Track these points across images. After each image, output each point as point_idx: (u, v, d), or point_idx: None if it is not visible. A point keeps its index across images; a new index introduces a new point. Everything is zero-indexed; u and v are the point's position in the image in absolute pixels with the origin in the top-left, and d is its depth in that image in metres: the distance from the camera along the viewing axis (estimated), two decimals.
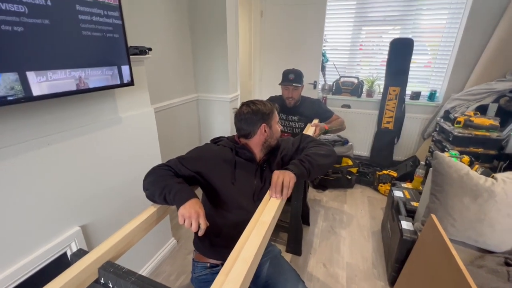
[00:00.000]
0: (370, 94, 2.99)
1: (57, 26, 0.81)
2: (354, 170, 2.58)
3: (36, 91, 0.79)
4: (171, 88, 2.10)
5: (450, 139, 2.04)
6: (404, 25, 2.76)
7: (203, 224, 0.77)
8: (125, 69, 1.09)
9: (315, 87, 3.04)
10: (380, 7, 2.78)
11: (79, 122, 1.04)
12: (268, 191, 0.89)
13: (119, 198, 1.26)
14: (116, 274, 0.64)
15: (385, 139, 2.88)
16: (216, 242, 0.99)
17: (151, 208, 0.86)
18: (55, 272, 0.60)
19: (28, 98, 0.77)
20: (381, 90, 2.88)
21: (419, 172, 1.90)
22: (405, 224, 1.46)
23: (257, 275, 1.03)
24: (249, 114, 0.99)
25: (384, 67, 2.77)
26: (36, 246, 0.93)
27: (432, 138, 2.41)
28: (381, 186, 2.49)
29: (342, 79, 3.09)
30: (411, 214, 1.59)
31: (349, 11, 2.91)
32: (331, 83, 3.15)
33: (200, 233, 0.77)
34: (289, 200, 1.66)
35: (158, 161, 1.51)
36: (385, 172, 2.49)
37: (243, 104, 1.05)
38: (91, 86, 0.96)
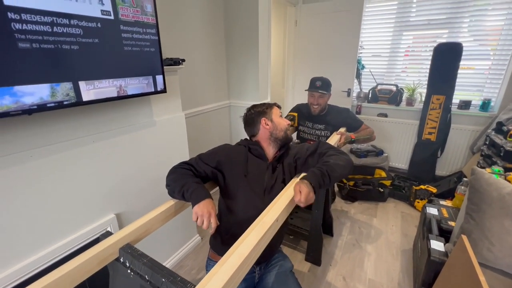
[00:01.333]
0: (410, 102, 2.79)
1: (104, 44, 0.98)
2: (388, 182, 2.42)
3: (85, 97, 0.96)
4: (205, 95, 2.26)
5: (501, 154, 1.80)
6: (452, 28, 2.53)
7: (214, 223, 0.84)
8: (159, 78, 1.24)
9: (349, 95, 2.95)
10: (424, 10, 2.61)
11: (119, 124, 1.21)
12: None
13: (148, 193, 1.41)
14: (132, 255, 0.75)
15: (426, 152, 2.65)
16: (227, 241, 1.04)
17: (169, 202, 0.96)
18: None
19: (79, 103, 0.94)
20: (423, 99, 2.67)
21: (461, 189, 1.71)
22: (435, 244, 1.34)
23: (261, 284, 1.06)
24: (250, 115, 1.14)
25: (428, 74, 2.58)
26: (81, 226, 1.11)
27: (482, 153, 2.15)
28: (418, 202, 2.29)
29: (379, 87, 2.95)
30: (446, 234, 1.45)
31: (388, 16, 2.79)
32: (367, 91, 3.02)
33: (211, 232, 0.85)
34: (310, 208, 1.66)
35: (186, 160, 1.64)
36: (423, 187, 2.29)
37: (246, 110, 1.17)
38: (129, 93, 1.12)
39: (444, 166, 2.70)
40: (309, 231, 1.69)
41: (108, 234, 0.81)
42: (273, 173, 1.06)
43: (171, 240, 1.66)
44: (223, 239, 1.06)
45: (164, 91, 1.28)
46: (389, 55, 2.91)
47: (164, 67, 1.27)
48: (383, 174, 2.49)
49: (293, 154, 1.09)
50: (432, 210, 1.64)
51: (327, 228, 1.95)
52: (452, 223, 1.50)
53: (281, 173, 1.07)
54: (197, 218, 0.84)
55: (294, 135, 2.11)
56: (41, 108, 0.84)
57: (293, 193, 0.89)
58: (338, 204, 2.42)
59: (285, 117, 2.00)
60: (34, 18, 0.78)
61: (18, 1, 0.74)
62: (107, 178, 1.19)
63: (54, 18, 0.82)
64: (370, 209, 2.33)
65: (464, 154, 2.59)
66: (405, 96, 2.84)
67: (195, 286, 0.61)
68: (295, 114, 2.01)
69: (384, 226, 2.10)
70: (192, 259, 1.75)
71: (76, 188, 1.07)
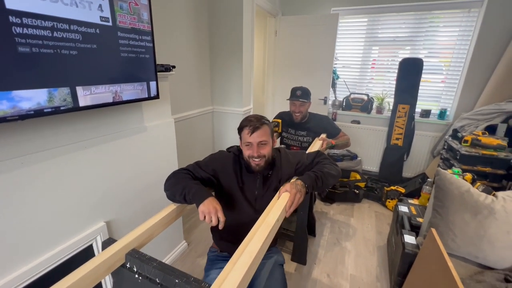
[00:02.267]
0: (380, 111, 3.05)
1: (102, 49, 0.98)
2: (362, 184, 2.62)
3: (82, 102, 0.94)
4: (189, 101, 2.27)
5: (458, 157, 2.07)
6: (414, 45, 2.85)
7: (222, 217, 0.89)
8: (152, 84, 1.25)
9: (325, 102, 3.14)
10: (390, 28, 2.90)
11: (111, 129, 1.19)
12: (284, 193, 0.98)
13: (139, 199, 1.39)
14: (140, 260, 0.75)
15: (395, 156, 2.91)
16: (224, 236, 1.16)
17: (170, 207, 0.97)
18: (83, 261, 0.70)
19: (75, 108, 0.93)
20: (391, 107, 2.94)
21: (426, 188, 1.93)
22: (408, 238, 1.49)
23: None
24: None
25: (395, 85, 2.85)
26: (68, 236, 1.06)
27: (441, 156, 2.43)
28: (389, 201, 2.51)
29: (352, 96, 3.18)
30: (416, 229, 1.62)
31: (359, 31, 3.04)
32: (341, 99, 3.24)
33: (221, 226, 0.88)
34: (295, 210, 1.75)
35: (175, 167, 1.64)
36: (393, 188, 2.51)
37: None
38: (124, 98, 1.11)
39: (410, 169, 2.98)
40: (295, 232, 1.77)
41: (111, 241, 0.81)
42: (264, 183, 1.12)
43: (158, 246, 1.63)
44: (221, 235, 1.15)
45: (157, 97, 1.29)
46: (360, 66, 3.16)
47: (157, 73, 1.28)
48: (358, 177, 2.68)
49: (294, 163, 1.15)
50: (403, 208, 1.82)
51: (311, 229, 2.05)
52: (420, 219, 1.68)
53: (274, 182, 1.12)
54: (205, 217, 0.88)
55: (278, 141, 2.21)
56: (38, 113, 0.82)
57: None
58: (318, 206, 2.55)
59: None
60: (35, 22, 0.77)
61: (20, 5, 0.73)
62: (97, 185, 1.16)
63: (55, 23, 0.82)
64: (347, 209, 2.50)
65: (426, 157, 2.89)
66: (375, 104, 3.10)
67: (210, 285, 0.64)
68: (279, 120, 2.10)
69: (360, 225, 2.26)
70: (179, 266, 1.73)
71: (66, 196, 1.03)
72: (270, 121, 2.15)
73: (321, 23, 2.93)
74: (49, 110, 0.85)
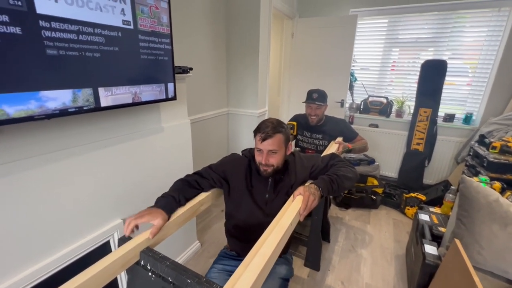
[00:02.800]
0: (399, 114, 2.95)
1: (123, 52, 1.01)
2: (380, 190, 2.53)
3: (103, 103, 0.98)
4: (205, 102, 2.30)
5: (485, 164, 1.94)
6: (437, 46, 2.73)
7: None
8: (170, 86, 1.28)
9: (342, 105, 3.08)
10: (411, 29, 2.80)
11: (130, 129, 1.22)
12: (298, 196, 0.96)
13: (154, 197, 1.40)
14: (154, 258, 0.76)
15: (415, 161, 2.79)
16: (233, 234, 1.18)
17: (185, 206, 0.98)
18: (100, 257, 0.72)
19: (97, 108, 0.96)
20: (411, 111, 2.83)
21: (449, 197, 1.83)
22: (429, 248, 1.42)
23: None
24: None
25: (416, 87, 2.75)
26: (87, 232, 1.10)
27: (466, 163, 2.30)
28: (408, 209, 2.40)
29: (370, 99, 3.09)
30: (437, 239, 1.54)
31: (379, 33, 2.96)
32: (359, 102, 3.16)
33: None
34: (309, 214, 1.71)
35: (191, 167, 1.66)
36: (413, 195, 2.41)
37: None
38: (143, 99, 1.14)
39: (431, 175, 2.85)
40: (309, 236, 1.74)
41: (126, 238, 0.83)
42: (275, 186, 1.10)
43: (171, 246, 1.65)
44: (231, 232, 1.19)
45: (174, 98, 1.31)
46: (379, 68, 3.07)
47: (175, 75, 1.31)
48: (375, 182, 2.60)
49: (309, 166, 1.12)
50: (424, 217, 1.73)
51: (325, 234, 2.01)
52: (442, 229, 1.60)
53: (285, 186, 1.09)
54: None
55: (293, 143, 2.18)
56: (63, 113, 0.86)
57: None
58: (333, 211, 2.49)
59: None
60: (62, 26, 0.81)
61: (49, 10, 0.77)
62: (115, 183, 1.20)
63: (80, 27, 0.85)
64: (364, 215, 2.42)
65: (449, 164, 2.75)
66: (394, 108, 3.00)
67: (221, 287, 0.64)
68: (294, 123, 2.08)
69: (377, 232, 2.18)
70: (192, 265, 1.75)
71: (85, 192, 1.07)
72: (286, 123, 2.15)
73: (339, 24, 2.88)
74: (73, 109, 0.89)
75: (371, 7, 2.85)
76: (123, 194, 1.24)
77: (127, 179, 1.25)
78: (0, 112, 0.71)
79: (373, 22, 2.97)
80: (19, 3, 0.70)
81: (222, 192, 1.15)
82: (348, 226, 2.25)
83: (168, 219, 0.89)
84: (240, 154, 1.21)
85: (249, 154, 1.17)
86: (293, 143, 2.17)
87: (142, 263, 0.79)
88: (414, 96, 2.77)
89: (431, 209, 1.88)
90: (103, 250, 1.17)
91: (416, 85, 2.75)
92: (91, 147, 1.06)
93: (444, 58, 2.65)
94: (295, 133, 2.10)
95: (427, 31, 2.73)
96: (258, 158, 1.04)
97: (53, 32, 0.79)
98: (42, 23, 0.76)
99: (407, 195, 2.45)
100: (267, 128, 1.00)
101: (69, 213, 1.02)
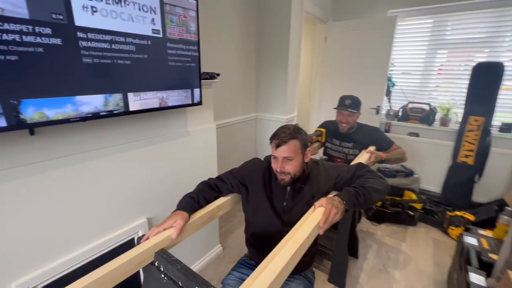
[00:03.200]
0: (444, 123, 2.67)
1: (152, 59, 1.06)
2: (419, 206, 2.29)
3: (132, 107, 1.04)
4: (234, 107, 2.33)
5: None
6: (493, 47, 2.42)
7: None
8: (196, 91, 1.32)
9: (377, 112, 2.88)
10: (461, 29, 2.53)
11: (157, 133, 1.28)
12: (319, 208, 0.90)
13: (179, 198, 1.45)
14: (167, 260, 0.77)
15: (462, 175, 2.49)
16: (252, 243, 1.18)
17: (202, 210, 0.99)
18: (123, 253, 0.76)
19: (126, 112, 1.02)
20: (459, 119, 2.54)
21: (504, 219, 1.58)
22: (475, 278, 1.23)
23: None
24: None
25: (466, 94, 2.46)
26: (114, 228, 1.17)
27: None
28: (452, 229, 2.14)
29: (410, 105, 2.85)
30: (487, 268, 1.33)
31: (422, 34, 2.73)
32: (397, 109, 2.94)
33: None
34: (335, 227, 1.62)
35: (215, 171, 1.69)
36: (458, 213, 2.14)
37: None
38: (169, 104, 1.19)
39: (482, 192, 2.50)
40: (334, 251, 1.63)
41: (142, 237, 0.85)
42: (293, 195, 1.05)
43: (194, 248, 1.68)
44: (249, 239, 1.19)
45: (200, 103, 1.35)
46: (422, 73, 2.83)
47: (201, 80, 1.34)
48: (413, 197, 2.37)
49: (333, 176, 1.06)
50: (471, 240, 1.52)
51: (352, 249, 1.87)
52: (493, 256, 1.38)
53: (306, 195, 1.03)
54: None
55: (321, 151, 2.10)
56: (95, 116, 0.93)
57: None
58: (364, 224, 2.32)
59: (313, 133, 2.01)
60: (97, 36, 0.88)
61: (86, 22, 0.84)
62: (142, 183, 1.26)
63: (113, 37, 0.92)
64: (399, 232, 2.21)
65: (506, 180, 2.40)
66: (438, 115, 2.72)
67: None
68: (323, 130, 2.00)
69: (414, 252, 1.97)
70: (213, 269, 1.76)
71: (115, 191, 1.14)
72: (314, 130, 2.08)
73: (376, 26, 2.72)
74: (104, 113, 0.95)
75: (413, 7, 2.64)
76: (149, 194, 1.30)
77: (153, 179, 1.31)
78: (41, 115, 0.79)
79: (415, 23, 2.75)
80: (60, 16, 0.78)
81: (240, 198, 1.14)
82: (380, 243, 2.07)
83: (189, 218, 0.92)
84: (262, 159, 1.19)
85: (269, 159, 1.14)
86: (321, 150, 2.09)
87: (156, 264, 0.81)
88: (463, 102, 2.48)
89: (481, 231, 1.64)
90: (129, 246, 1.23)
91: (466, 90, 2.46)
92: (121, 148, 1.13)
93: (502, 60, 2.33)
94: (323, 140, 2.01)
95: (482, 30, 2.44)
96: (274, 165, 1.01)
97: (89, 42, 0.86)
98: (79, 34, 0.83)
99: (452, 213, 2.18)
100: (282, 134, 0.97)
101: (98, 210, 1.09)
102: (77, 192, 1.01)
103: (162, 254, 0.80)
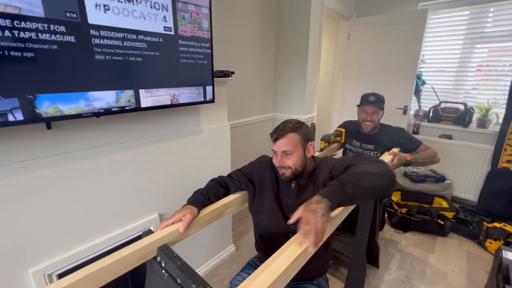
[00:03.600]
0: (482, 124, 2.41)
1: (164, 56, 1.08)
2: (450, 215, 2.09)
3: (143, 103, 1.06)
4: (251, 106, 2.31)
5: None
6: None
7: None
8: (209, 89, 1.31)
9: (405, 112, 2.70)
10: (504, 20, 2.28)
11: (169, 130, 1.30)
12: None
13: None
14: (168, 256, 0.77)
15: (504, 183, 2.23)
16: (259, 243, 1.16)
17: (209, 207, 0.97)
18: None
19: (138, 108, 1.04)
20: (500, 120, 2.28)
21: None
22: None
23: None
24: None
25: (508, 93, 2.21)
26: (126, 222, 1.20)
27: None
28: (491, 242, 1.92)
29: (442, 105, 2.63)
30: None
31: (457, 27, 2.51)
32: (428, 109, 2.72)
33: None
34: (353, 232, 1.52)
35: (228, 169, 1.68)
36: (497, 225, 1.91)
37: None
38: (181, 101, 1.20)
39: None
40: (351, 257, 1.54)
41: (149, 232, 0.86)
42: (298, 192, 1.00)
43: (206, 247, 1.68)
44: (256, 238, 1.16)
45: (212, 101, 1.34)
46: (456, 70, 2.59)
47: (214, 78, 1.34)
48: (444, 204, 2.16)
49: (328, 169, 0.97)
50: (511, 255, 1.35)
51: (372, 258, 1.75)
52: None
53: (310, 193, 0.96)
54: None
55: (340, 152, 2.00)
56: (107, 112, 0.96)
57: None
58: (387, 232, 2.17)
59: (332, 133, 1.92)
60: (110, 34, 0.90)
61: (99, 20, 0.87)
62: (155, 179, 1.28)
63: (125, 34, 0.94)
64: (426, 243, 2.03)
65: None
66: (475, 116, 2.47)
67: None
68: (343, 130, 1.90)
69: (443, 265, 1.80)
70: (226, 268, 1.74)
71: (127, 186, 1.17)
72: (334, 129, 1.98)
73: (405, 21, 2.55)
74: (116, 109, 0.98)
75: None
76: (161, 190, 1.32)
77: (165, 176, 1.32)
78: (55, 109, 0.83)
79: (449, 15, 2.53)
80: (74, 15, 0.81)
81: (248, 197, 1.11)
82: (404, 253, 1.92)
83: (198, 214, 0.91)
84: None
85: None
86: (340, 152, 1.99)
87: (158, 259, 0.80)
88: (505, 102, 2.23)
89: None
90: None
91: (509, 88, 2.20)
92: (133, 144, 1.16)
93: None
94: (342, 141, 1.91)
95: None
96: (274, 160, 0.98)
97: (101, 40, 0.88)
98: (92, 32, 0.86)
99: (490, 225, 1.96)
100: (279, 129, 0.95)
101: (110, 204, 1.13)
102: (91, 186, 1.05)
103: (164, 249, 0.79)
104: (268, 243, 1.07)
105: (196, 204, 0.93)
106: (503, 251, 1.39)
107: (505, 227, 1.87)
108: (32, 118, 0.79)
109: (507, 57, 2.34)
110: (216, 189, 1.04)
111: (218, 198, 1.03)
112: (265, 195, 1.04)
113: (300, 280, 1.07)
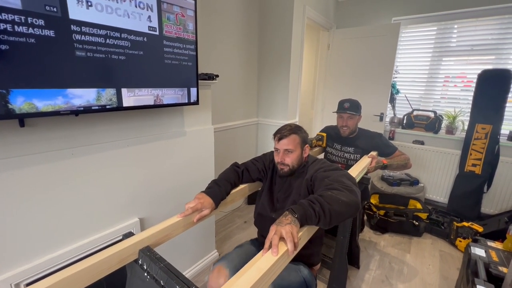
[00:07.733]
0: (450, 131, 2.60)
1: (147, 56, 1.06)
2: (424, 216, 2.20)
3: (125, 103, 1.03)
4: (235, 111, 2.32)
5: None
6: (500, 54, 2.38)
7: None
8: (193, 90, 1.31)
9: (381, 119, 2.84)
10: (467, 36, 2.50)
11: (152, 131, 1.27)
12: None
13: (172, 200, 1.43)
14: (150, 258, 0.74)
15: (470, 185, 2.40)
16: (255, 220, 1.26)
17: (190, 210, 0.95)
18: None
19: (119, 108, 1.01)
20: (466, 127, 2.47)
21: None
22: None
23: None
24: None
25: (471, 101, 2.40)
26: (106, 226, 1.14)
27: None
28: (460, 241, 2.04)
29: (415, 113, 2.80)
30: (496, 281, 1.25)
31: (426, 41, 2.71)
32: (402, 116, 2.88)
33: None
34: (334, 233, 1.55)
35: (212, 172, 1.66)
36: (466, 224, 2.04)
37: None
38: (164, 102, 1.18)
39: (492, 203, 2.40)
40: (333, 259, 1.56)
41: (130, 234, 0.83)
42: (288, 188, 1.13)
43: (189, 252, 1.64)
44: (255, 219, 1.26)
45: (196, 103, 1.34)
46: (426, 80, 2.79)
47: (199, 81, 1.34)
48: (418, 206, 2.28)
49: (313, 172, 1.04)
50: (478, 251, 1.44)
51: (353, 259, 1.80)
52: (503, 269, 1.30)
53: (299, 188, 1.08)
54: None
55: (322, 156, 2.05)
56: (87, 110, 0.92)
57: None
58: (367, 234, 2.24)
59: (314, 137, 1.97)
60: (91, 30, 0.88)
61: (81, 16, 0.85)
62: (136, 182, 1.24)
63: (108, 31, 0.92)
64: (403, 243, 2.12)
65: None
66: (444, 123, 2.66)
67: None
68: (324, 134, 1.96)
69: (419, 264, 1.88)
70: (207, 274, 1.70)
71: (106, 189, 1.12)
72: (316, 134, 2.04)
73: (380, 34, 2.72)
74: (96, 107, 0.95)
75: (416, 15, 2.64)
76: (141, 193, 1.27)
77: (147, 178, 1.29)
78: (30, 105, 0.79)
79: (419, 30, 2.73)
80: (54, 9, 0.79)
81: (246, 193, 1.24)
82: (382, 253, 1.99)
83: (216, 207, 1.01)
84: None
85: None
86: (321, 156, 2.05)
87: (139, 262, 0.78)
88: (469, 111, 2.42)
89: (490, 243, 1.56)
90: None
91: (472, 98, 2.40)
92: (114, 145, 1.12)
93: (509, 67, 2.28)
94: (324, 144, 1.97)
95: (487, 36, 2.41)
96: (276, 157, 1.12)
97: (83, 36, 0.86)
98: (73, 27, 0.84)
99: (459, 224, 2.09)
100: (285, 129, 1.09)
101: (88, 207, 1.07)
102: (67, 188, 0.99)
103: (146, 251, 0.77)
104: (260, 224, 1.22)
105: (216, 200, 1.00)
106: (471, 247, 1.48)
107: (472, 226, 2.01)
108: (4, 114, 0.74)
109: (468, 69, 2.55)
110: (232, 178, 1.14)
111: (233, 188, 1.14)
112: (266, 184, 1.20)
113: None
